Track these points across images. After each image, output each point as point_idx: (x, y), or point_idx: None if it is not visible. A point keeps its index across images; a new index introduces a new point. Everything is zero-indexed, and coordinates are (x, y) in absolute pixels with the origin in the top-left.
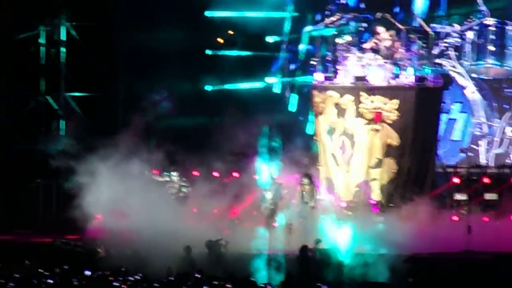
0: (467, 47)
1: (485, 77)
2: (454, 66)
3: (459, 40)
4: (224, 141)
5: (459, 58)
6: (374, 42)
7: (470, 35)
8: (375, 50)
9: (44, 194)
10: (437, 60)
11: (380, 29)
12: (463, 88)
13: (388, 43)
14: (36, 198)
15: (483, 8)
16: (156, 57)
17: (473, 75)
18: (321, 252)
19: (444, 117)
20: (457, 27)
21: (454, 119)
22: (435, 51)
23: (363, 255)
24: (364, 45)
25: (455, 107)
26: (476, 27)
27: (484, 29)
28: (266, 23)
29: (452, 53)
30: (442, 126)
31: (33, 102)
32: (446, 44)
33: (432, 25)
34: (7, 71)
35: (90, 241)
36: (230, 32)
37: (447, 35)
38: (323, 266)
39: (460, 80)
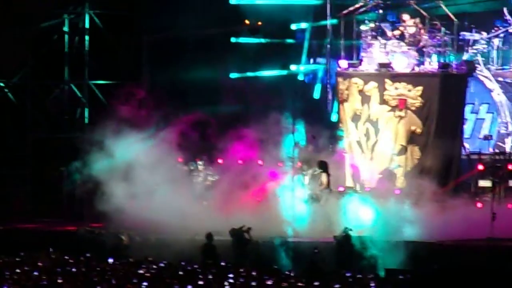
0: (494, 53)
1: (510, 81)
2: (481, 71)
3: (486, 46)
4: (248, 128)
5: (486, 63)
6: (400, 29)
7: (496, 42)
8: (400, 37)
9: (68, 182)
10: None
11: (405, 16)
12: (490, 90)
13: (412, 30)
14: (60, 187)
15: (508, 17)
16: (180, 44)
17: (499, 78)
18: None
19: (472, 117)
20: (484, 34)
21: (482, 119)
22: (465, 56)
23: (387, 242)
24: (389, 33)
25: (483, 108)
26: (502, 35)
27: (509, 36)
28: (291, 10)
29: (480, 58)
30: (470, 125)
31: (57, 90)
32: (475, 51)
33: (462, 33)
34: (31, 60)
35: (113, 229)
36: (255, 20)
37: (475, 42)
38: (354, 254)
39: (488, 83)
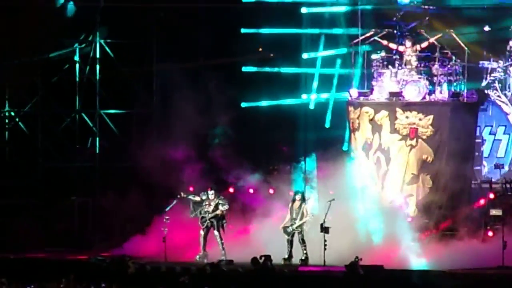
0: (510, 80)
1: None
2: (499, 96)
3: (503, 74)
4: (259, 157)
5: (503, 89)
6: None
7: None
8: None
9: (79, 211)
10: (486, 91)
11: (408, 43)
12: (506, 114)
13: (409, 57)
14: (71, 215)
15: None
16: (191, 73)
17: None
18: (363, 269)
19: (491, 138)
20: (501, 63)
21: (499, 140)
22: (484, 83)
23: (399, 271)
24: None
25: (500, 130)
26: None
27: None
28: (302, 40)
29: (497, 85)
30: (488, 145)
31: (68, 120)
32: (493, 78)
33: (481, 62)
34: (42, 89)
35: (118, 258)
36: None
37: (493, 70)
38: (365, 282)
39: (504, 107)
